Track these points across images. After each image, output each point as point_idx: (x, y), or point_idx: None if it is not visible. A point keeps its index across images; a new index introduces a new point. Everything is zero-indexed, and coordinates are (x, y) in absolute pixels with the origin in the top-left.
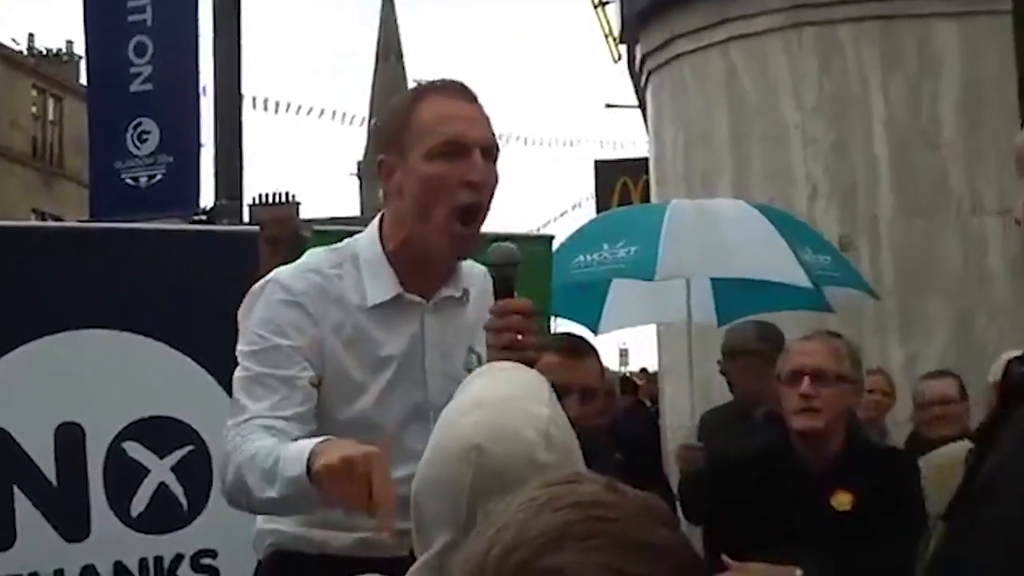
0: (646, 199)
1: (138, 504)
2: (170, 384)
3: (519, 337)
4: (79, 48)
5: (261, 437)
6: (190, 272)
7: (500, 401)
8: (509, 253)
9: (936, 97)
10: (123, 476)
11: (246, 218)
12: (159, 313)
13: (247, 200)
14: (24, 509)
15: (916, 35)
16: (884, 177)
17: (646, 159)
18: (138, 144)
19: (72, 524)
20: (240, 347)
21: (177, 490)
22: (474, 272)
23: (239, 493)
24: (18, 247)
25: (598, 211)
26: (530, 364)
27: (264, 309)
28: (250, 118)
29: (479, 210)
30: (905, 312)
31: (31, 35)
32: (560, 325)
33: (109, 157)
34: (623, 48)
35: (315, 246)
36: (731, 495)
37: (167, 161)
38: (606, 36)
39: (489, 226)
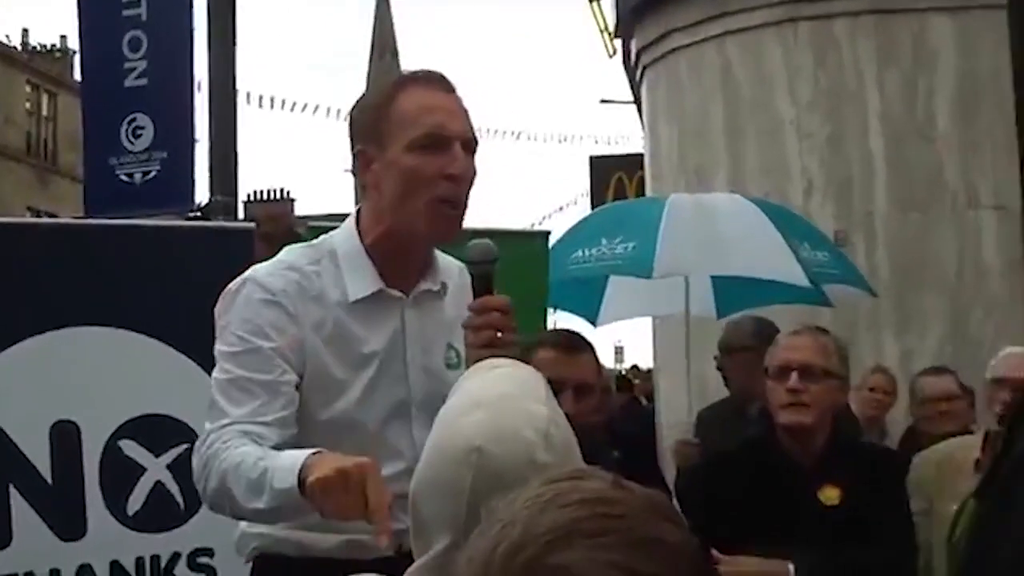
0: (641, 194)
1: (134, 503)
2: (166, 382)
3: (499, 335)
4: (73, 43)
5: (243, 444)
6: (185, 269)
7: (498, 400)
8: (487, 250)
9: (931, 91)
10: (119, 474)
11: (241, 215)
12: (155, 310)
13: (242, 196)
14: (20, 508)
15: (911, 29)
16: (879, 171)
17: (641, 154)
18: (132, 140)
19: (68, 523)
20: (219, 347)
21: (173, 488)
22: (450, 266)
23: (223, 501)
24: (13, 244)
25: (593, 207)
26: None
27: (243, 309)
28: (245, 114)
29: (458, 202)
30: (900, 307)
31: (25, 31)
32: (559, 317)
33: (103, 153)
34: (618, 43)
35: None
36: (719, 489)
37: (162, 157)
38: (601, 31)
39: (484, 222)
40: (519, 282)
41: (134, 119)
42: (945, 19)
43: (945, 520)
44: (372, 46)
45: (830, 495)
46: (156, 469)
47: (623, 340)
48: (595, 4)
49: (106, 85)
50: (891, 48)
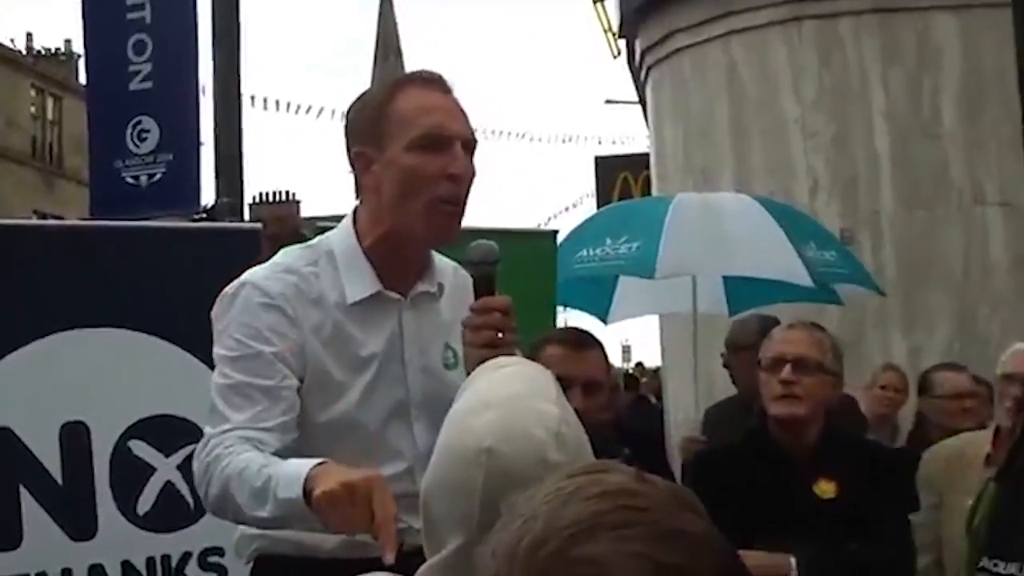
0: (647, 194)
1: (144, 503)
2: (175, 382)
3: (500, 335)
4: (77, 47)
5: (245, 450)
6: (193, 270)
7: (508, 400)
8: (489, 250)
9: (936, 89)
10: (129, 475)
11: (247, 216)
12: (163, 311)
13: (248, 198)
14: (30, 509)
15: (915, 28)
16: (885, 170)
17: (646, 154)
18: (138, 143)
19: (79, 523)
20: (217, 351)
21: (183, 488)
22: (445, 267)
23: (225, 507)
24: (22, 246)
25: (599, 207)
26: None
27: (241, 313)
28: (249, 116)
29: (458, 202)
30: (907, 305)
31: (29, 34)
32: (569, 316)
33: (109, 156)
34: (622, 43)
35: None
36: (715, 483)
37: (167, 159)
38: (605, 31)
39: (489, 222)
40: (527, 281)
41: (139, 122)
42: (949, 17)
43: (955, 515)
44: (376, 47)
45: (826, 489)
46: (166, 469)
47: (630, 339)
48: (599, 4)
49: (111, 88)
50: (895, 47)
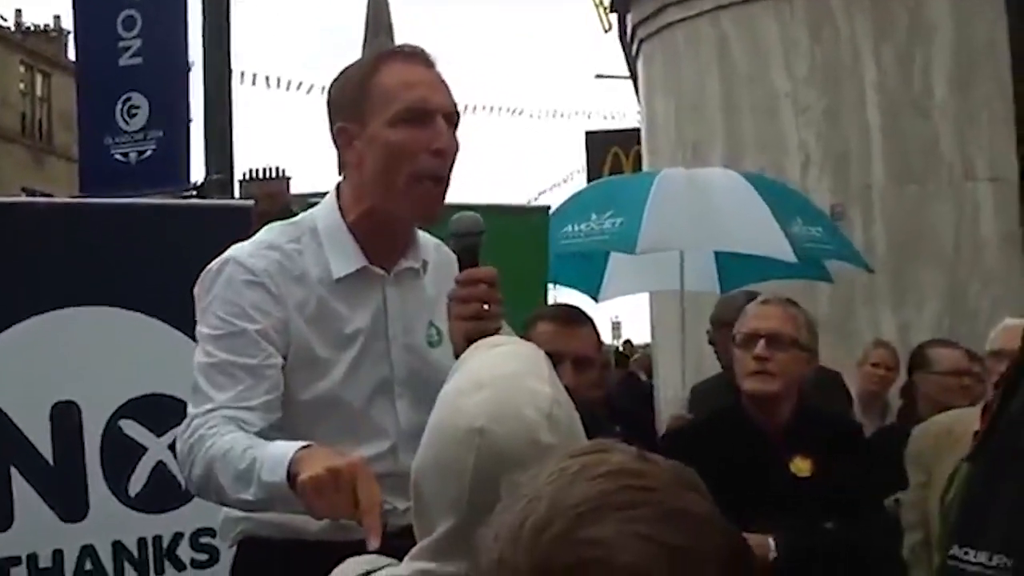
0: (638, 169)
1: (136, 483)
2: (166, 361)
3: (485, 307)
4: (67, 23)
5: (229, 430)
6: (184, 247)
7: (501, 380)
8: (473, 222)
9: (928, 64)
10: (120, 455)
11: (237, 193)
12: (154, 289)
13: (237, 175)
14: (21, 489)
15: (907, 3)
16: (876, 145)
17: (637, 129)
18: (127, 119)
19: (70, 504)
20: (201, 329)
21: (175, 468)
22: (428, 243)
23: (208, 488)
24: (12, 223)
25: (589, 182)
26: (493, 334)
27: (225, 290)
28: (239, 93)
29: (442, 177)
30: (897, 280)
31: (18, 11)
32: (560, 293)
33: (99, 133)
34: (614, 17)
35: None
36: (690, 460)
37: (157, 136)
38: (597, 5)
39: (479, 197)
40: (519, 257)
41: (129, 98)
42: None
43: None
44: (366, 23)
45: (801, 466)
46: (158, 449)
47: (620, 315)
48: None
49: (101, 64)
50: (887, 21)
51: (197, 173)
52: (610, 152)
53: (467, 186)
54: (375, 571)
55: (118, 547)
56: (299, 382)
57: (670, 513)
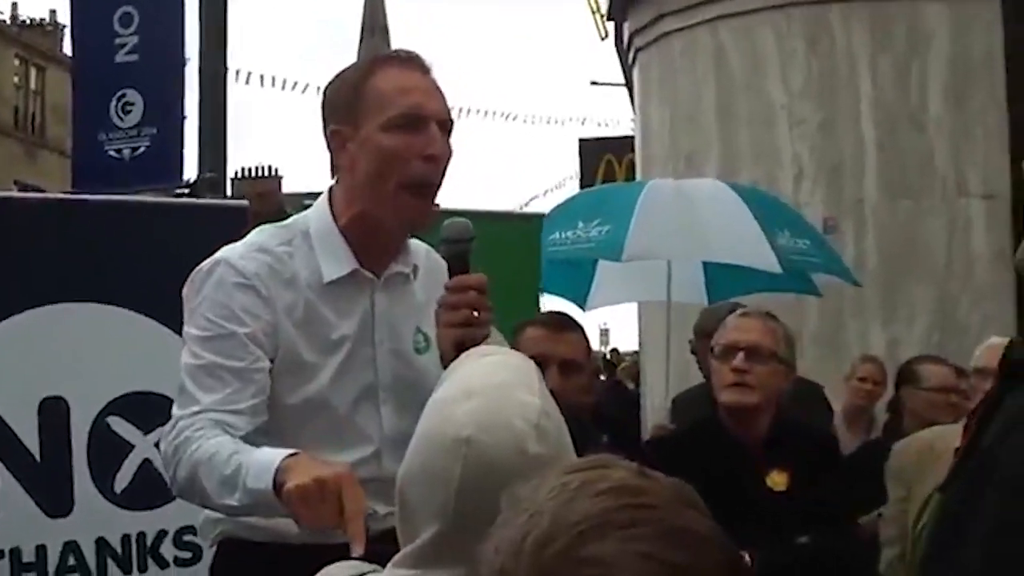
0: (631, 177)
1: (122, 480)
2: (155, 359)
3: (475, 314)
4: (63, 17)
5: (215, 434)
6: (177, 246)
7: (491, 389)
8: (463, 228)
9: (924, 77)
10: (107, 451)
11: (229, 191)
12: (146, 287)
13: (230, 173)
14: (7, 483)
15: (905, 16)
16: (870, 158)
17: (631, 137)
18: (122, 116)
19: (55, 499)
20: (189, 330)
21: (161, 466)
22: (418, 249)
23: (192, 491)
24: (3, 218)
25: (582, 189)
26: (482, 341)
27: (215, 292)
28: (234, 92)
29: (432, 184)
30: (888, 295)
31: (14, 4)
32: (547, 301)
33: (93, 129)
34: (611, 25)
35: None
36: (670, 473)
37: (151, 133)
38: (593, 12)
39: (472, 203)
40: (512, 264)
41: (124, 95)
42: (939, 5)
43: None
44: (362, 23)
45: (778, 480)
46: (144, 447)
47: (609, 323)
48: None
49: (97, 61)
50: (884, 34)
51: (190, 170)
52: (603, 159)
53: (459, 190)
54: None
55: (102, 543)
56: (285, 385)
57: (671, 531)
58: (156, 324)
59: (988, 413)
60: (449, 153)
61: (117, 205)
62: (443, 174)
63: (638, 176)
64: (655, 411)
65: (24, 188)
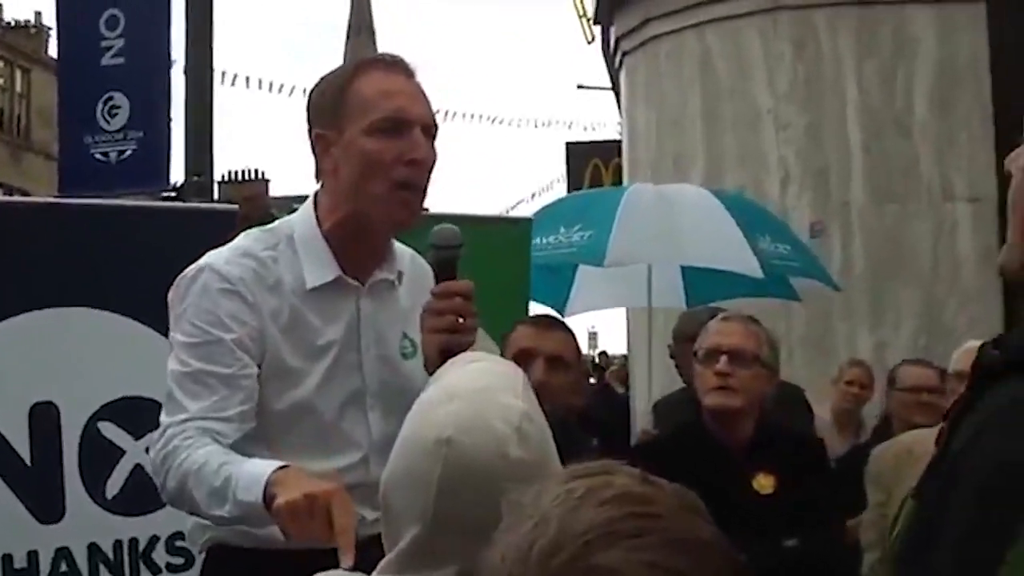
0: (618, 181)
1: (113, 486)
2: (146, 364)
3: (460, 320)
4: (48, 19)
5: (203, 443)
6: (168, 250)
7: (473, 392)
8: (452, 234)
9: (910, 83)
10: (98, 457)
11: (216, 195)
12: (136, 291)
13: (217, 177)
14: None
15: (891, 21)
16: (857, 162)
17: (617, 141)
18: (108, 119)
19: (46, 505)
20: (175, 336)
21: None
22: (403, 254)
23: (182, 501)
24: None
25: (569, 192)
26: (467, 348)
27: (200, 298)
28: (220, 93)
29: (418, 188)
30: (875, 299)
31: None
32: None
33: (79, 132)
34: (597, 29)
35: None
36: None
37: (137, 136)
38: (580, 17)
39: (458, 206)
40: (501, 268)
41: (110, 98)
42: (925, 10)
43: None
44: (348, 26)
45: (764, 483)
46: (135, 452)
47: (597, 326)
48: None
49: (82, 63)
50: (870, 39)
51: (176, 174)
52: (590, 163)
53: (445, 194)
54: None
55: (94, 549)
56: (272, 391)
57: (676, 540)
58: (147, 329)
59: (960, 416)
60: (433, 157)
61: (108, 209)
62: (428, 178)
63: (625, 180)
64: (644, 415)
65: (9, 191)
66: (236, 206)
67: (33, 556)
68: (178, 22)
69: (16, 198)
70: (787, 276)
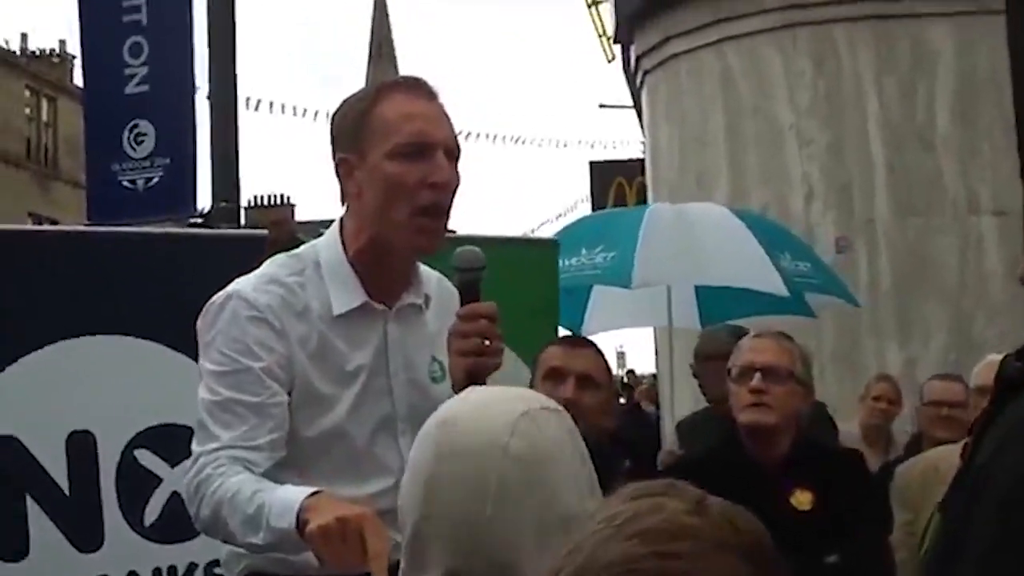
0: (642, 200)
1: (151, 513)
2: (181, 391)
3: (486, 342)
4: (72, 48)
5: (235, 471)
6: (200, 277)
7: (485, 394)
8: (474, 256)
9: (930, 97)
10: (135, 485)
11: (242, 221)
12: (170, 319)
13: (243, 202)
14: (37, 519)
15: (910, 35)
16: (880, 178)
17: (641, 160)
18: (134, 146)
19: (85, 534)
20: (204, 365)
21: None
22: (429, 277)
23: (216, 528)
24: (27, 252)
25: (593, 212)
26: (494, 370)
27: (229, 326)
28: (244, 119)
29: (441, 211)
30: (903, 314)
31: (24, 35)
32: None
33: (106, 160)
34: (617, 48)
35: None
36: None
37: (164, 163)
38: (600, 36)
39: (482, 227)
40: (529, 291)
41: (136, 125)
42: (944, 24)
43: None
44: (370, 50)
45: (802, 499)
46: (172, 479)
47: (625, 346)
48: (594, 9)
49: (107, 92)
50: (890, 54)
51: (203, 200)
52: (614, 182)
53: (468, 215)
54: None
55: None
56: (303, 418)
57: None
58: (181, 356)
59: (983, 430)
60: (457, 180)
61: (140, 237)
62: (451, 201)
63: (649, 198)
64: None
65: (38, 220)
66: (265, 231)
67: None
68: (201, 49)
69: (46, 227)
70: (805, 293)
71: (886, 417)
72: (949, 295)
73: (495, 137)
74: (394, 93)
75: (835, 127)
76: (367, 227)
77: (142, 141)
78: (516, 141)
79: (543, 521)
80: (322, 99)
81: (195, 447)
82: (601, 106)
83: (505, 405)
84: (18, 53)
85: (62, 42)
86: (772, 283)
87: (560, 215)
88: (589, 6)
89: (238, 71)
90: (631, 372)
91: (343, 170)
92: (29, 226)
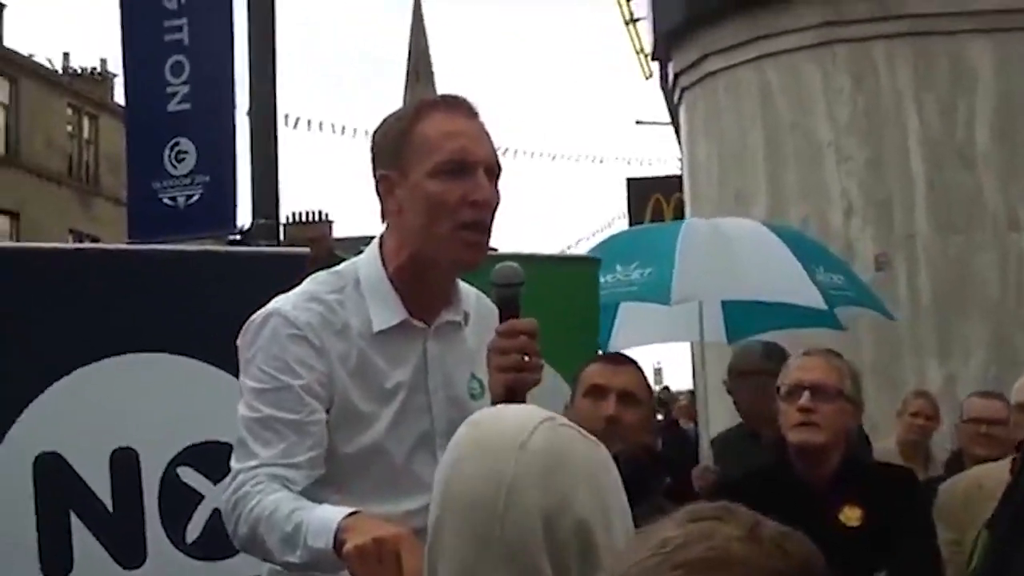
0: (679, 216)
1: (193, 530)
2: (223, 408)
3: (525, 358)
4: (113, 66)
5: (273, 489)
6: (243, 295)
7: (518, 407)
8: (512, 272)
9: (970, 113)
10: (178, 502)
11: (282, 237)
12: (212, 336)
13: (282, 219)
14: (81, 536)
15: (949, 52)
16: (920, 194)
17: (678, 176)
18: (176, 164)
19: (128, 551)
20: (245, 381)
21: None
22: (468, 294)
23: (254, 546)
24: (71, 270)
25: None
26: (534, 386)
27: (269, 344)
28: (283, 136)
29: (483, 228)
30: (943, 331)
31: (66, 54)
32: None
33: (147, 177)
34: (655, 65)
35: None
36: None
37: (204, 181)
38: (637, 53)
39: (522, 245)
40: (569, 308)
41: (177, 143)
42: (983, 41)
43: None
44: (407, 68)
45: (850, 516)
46: (214, 496)
47: (662, 362)
48: (631, 26)
49: (149, 110)
50: (929, 70)
51: (243, 217)
52: (652, 199)
53: (505, 231)
54: None
55: None
56: (342, 435)
57: None
58: (223, 373)
59: None
60: (497, 199)
61: (184, 255)
62: (492, 219)
63: (687, 215)
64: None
65: (79, 237)
66: (306, 249)
67: None
68: (242, 67)
69: (88, 245)
70: (839, 306)
71: (924, 433)
72: (989, 312)
73: (531, 153)
74: (435, 111)
75: (874, 144)
76: (408, 244)
77: (183, 159)
78: (553, 157)
79: (553, 522)
80: (361, 116)
81: (234, 464)
82: (638, 123)
83: (532, 412)
84: (60, 72)
85: (103, 61)
86: (810, 296)
87: (596, 231)
88: (627, 23)
89: (277, 89)
90: (666, 388)
91: (384, 187)
92: (71, 244)
